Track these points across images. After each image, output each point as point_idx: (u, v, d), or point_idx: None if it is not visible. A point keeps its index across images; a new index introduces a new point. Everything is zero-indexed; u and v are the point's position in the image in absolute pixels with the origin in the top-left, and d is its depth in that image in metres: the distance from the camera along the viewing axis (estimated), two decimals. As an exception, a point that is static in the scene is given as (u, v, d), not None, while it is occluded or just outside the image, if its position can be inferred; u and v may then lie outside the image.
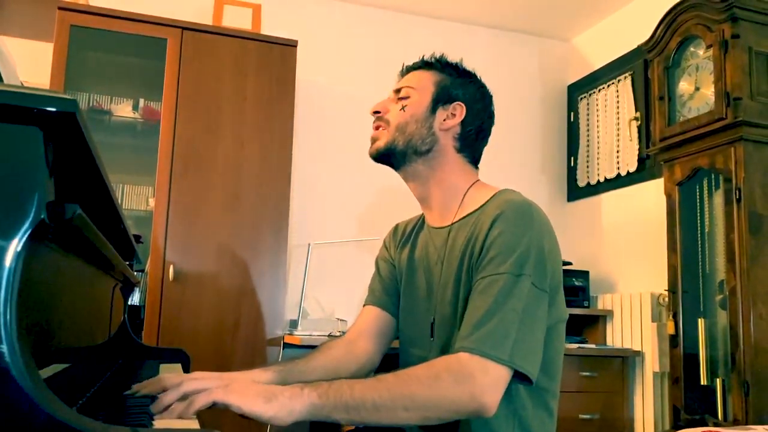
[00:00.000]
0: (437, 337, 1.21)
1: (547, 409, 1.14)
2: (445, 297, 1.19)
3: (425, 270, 1.27)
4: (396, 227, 1.44)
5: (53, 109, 0.53)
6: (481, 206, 1.19)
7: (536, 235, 1.09)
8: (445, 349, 1.16)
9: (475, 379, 0.97)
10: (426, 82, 1.27)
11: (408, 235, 1.37)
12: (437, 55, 1.32)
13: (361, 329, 1.34)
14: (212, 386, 0.91)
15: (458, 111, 1.26)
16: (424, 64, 1.31)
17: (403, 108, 1.25)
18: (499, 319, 1.01)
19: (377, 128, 1.28)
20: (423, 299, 1.27)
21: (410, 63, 1.34)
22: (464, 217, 1.22)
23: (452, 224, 1.24)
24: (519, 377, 1.02)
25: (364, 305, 1.39)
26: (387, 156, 1.26)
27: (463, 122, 1.26)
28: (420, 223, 1.37)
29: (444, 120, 1.25)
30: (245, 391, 0.92)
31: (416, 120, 1.24)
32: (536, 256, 1.07)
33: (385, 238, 1.45)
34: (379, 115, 1.28)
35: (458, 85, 1.28)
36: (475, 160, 1.30)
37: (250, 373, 1.18)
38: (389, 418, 0.96)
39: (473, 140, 1.28)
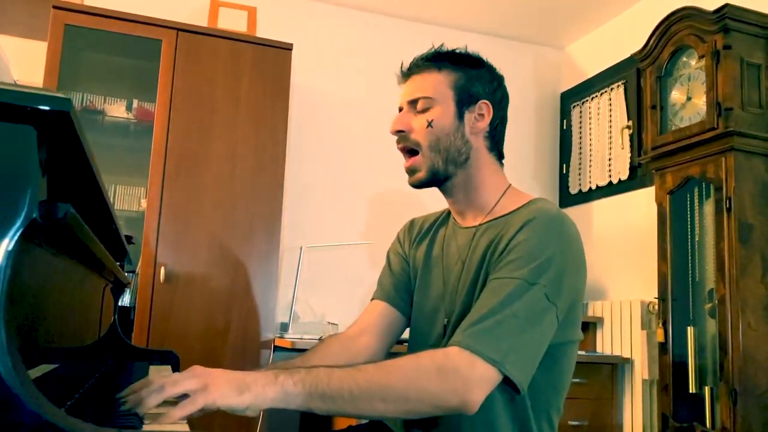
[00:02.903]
0: (449, 337, 1.17)
1: (550, 423, 1.11)
2: (461, 298, 1.13)
3: (444, 268, 1.21)
4: (412, 222, 1.37)
5: (47, 108, 0.53)
6: (513, 211, 1.14)
7: (561, 248, 1.04)
8: None
9: (460, 373, 0.93)
10: (442, 87, 1.17)
11: (426, 231, 1.30)
12: (440, 49, 1.20)
13: (365, 325, 1.27)
14: (191, 388, 0.86)
15: (485, 110, 1.18)
16: (432, 64, 1.18)
17: (429, 124, 1.15)
18: (498, 320, 0.97)
19: (404, 150, 1.18)
20: (437, 298, 1.21)
21: (409, 63, 1.21)
22: (493, 220, 1.16)
23: (480, 225, 1.18)
24: (508, 384, 0.97)
25: (372, 299, 1.32)
26: (431, 183, 1.18)
27: (491, 119, 1.19)
28: (442, 219, 1.30)
29: (474, 123, 1.18)
30: (218, 383, 0.87)
31: (447, 133, 1.15)
32: (555, 269, 1.02)
33: (399, 232, 1.38)
34: (403, 134, 1.18)
35: (475, 79, 1.18)
36: (501, 154, 1.25)
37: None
38: (366, 409, 0.92)
39: (500, 133, 1.23)
